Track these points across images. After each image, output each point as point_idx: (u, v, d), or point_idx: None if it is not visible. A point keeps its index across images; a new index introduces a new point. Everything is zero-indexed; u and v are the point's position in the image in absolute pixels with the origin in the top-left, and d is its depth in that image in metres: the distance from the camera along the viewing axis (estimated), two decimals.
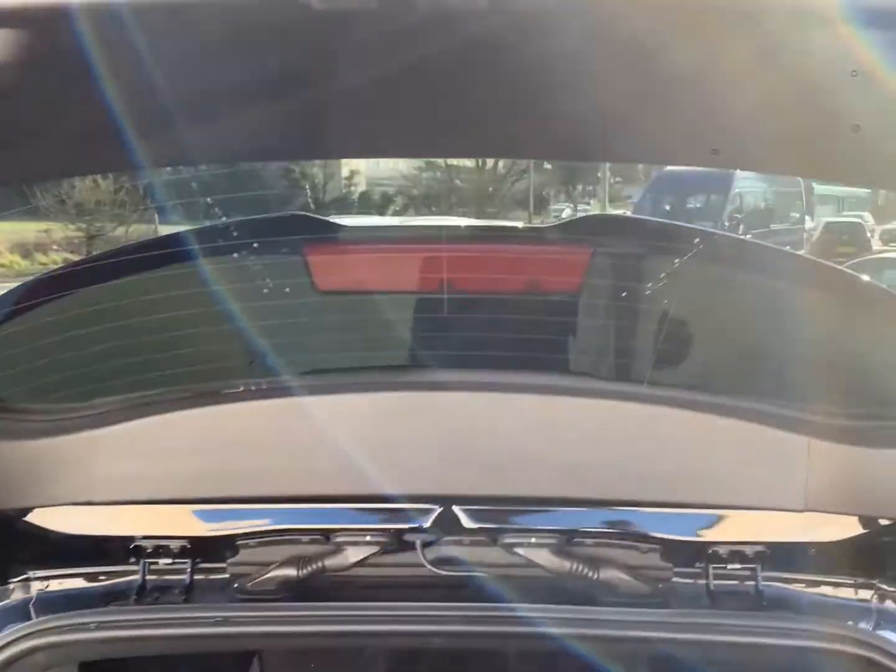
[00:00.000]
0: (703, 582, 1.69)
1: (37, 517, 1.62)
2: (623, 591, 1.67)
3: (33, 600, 1.65)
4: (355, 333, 1.55)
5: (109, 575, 1.72)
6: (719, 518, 1.71)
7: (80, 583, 1.71)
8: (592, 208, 28.36)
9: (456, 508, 1.67)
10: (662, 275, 1.51)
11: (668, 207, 16.83)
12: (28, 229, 21.80)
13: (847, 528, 1.66)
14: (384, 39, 0.60)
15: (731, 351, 1.58)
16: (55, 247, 22.46)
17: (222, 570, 1.73)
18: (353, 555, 1.67)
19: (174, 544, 1.69)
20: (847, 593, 1.73)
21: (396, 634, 1.59)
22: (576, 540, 1.69)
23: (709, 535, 1.71)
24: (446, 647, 1.62)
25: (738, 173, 15.23)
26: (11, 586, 1.65)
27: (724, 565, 1.67)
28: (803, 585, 1.72)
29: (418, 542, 1.67)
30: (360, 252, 1.55)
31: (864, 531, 1.65)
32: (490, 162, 28.69)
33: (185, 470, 1.59)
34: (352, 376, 1.58)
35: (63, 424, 1.57)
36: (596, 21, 0.59)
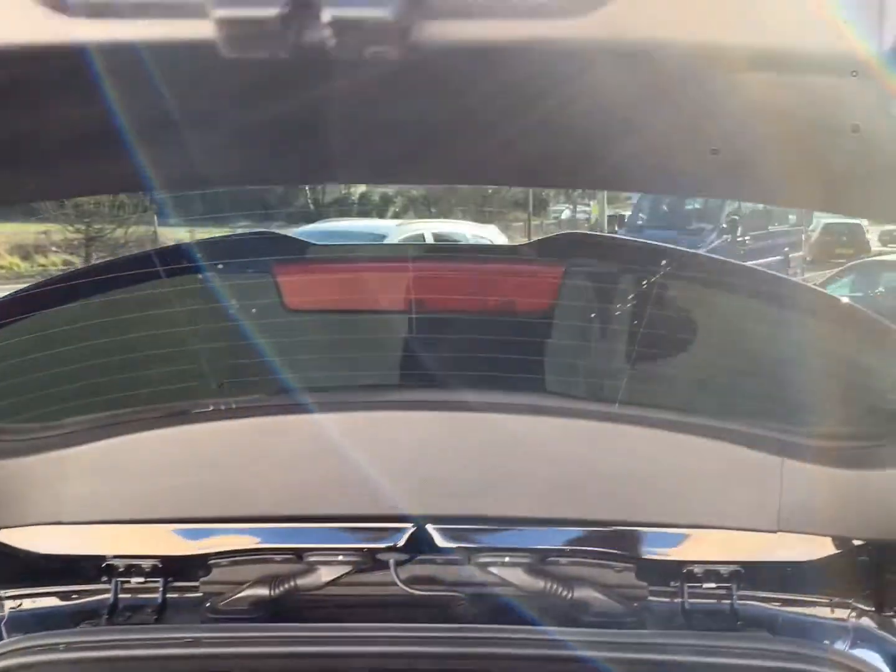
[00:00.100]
0: (678, 601, 1.68)
1: (6, 537, 1.61)
2: (598, 611, 1.66)
3: (5, 619, 1.64)
4: (326, 353, 1.55)
5: (81, 594, 1.72)
6: (694, 537, 1.70)
7: (52, 602, 1.71)
8: (592, 209, 28.36)
9: (430, 527, 1.67)
10: (635, 294, 1.50)
11: (665, 208, 16.82)
12: (27, 231, 21.82)
13: (822, 547, 1.65)
14: (311, 79, 0.59)
15: (704, 370, 1.57)
16: (54, 248, 22.48)
17: (195, 590, 1.72)
18: (325, 574, 1.66)
19: (146, 563, 1.68)
20: (823, 612, 1.72)
21: (369, 655, 1.58)
22: (550, 559, 1.69)
23: (683, 554, 1.71)
24: (419, 669, 1.61)
25: None
26: None
27: (699, 584, 1.67)
28: (779, 604, 1.72)
29: (392, 562, 1.66)
30: (330, 271, 1.54)
31: (839, 551, 1.64)
32: None
33: (156, 490, 1.58)
34: (323, 396, 1.57)
35: (33, 444, 1.56)
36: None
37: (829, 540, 1.61)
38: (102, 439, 1.55)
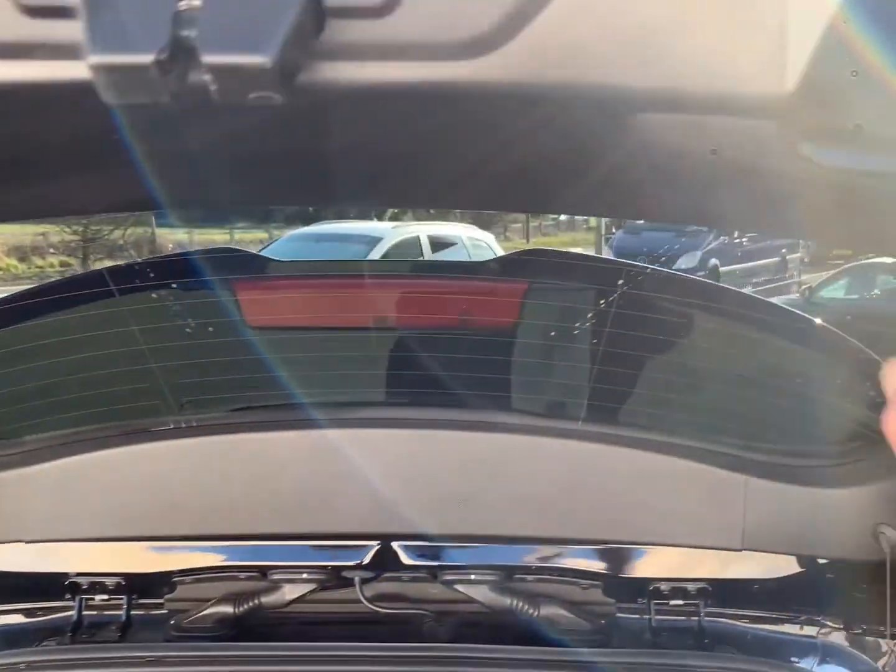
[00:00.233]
0: (645, 618, 1.67)
1: None
2: (565, 628, 1.65)
3: None
4: (289, 371, 1.54)
5: (45, 611, 1.71)
6: (661, 554, 1.69)
7: (14, 619, 1.70)
8: None
9: (395, 545, 1.66)
10: (600, 311, 1.49)
11: None
12: (25, 232, 21.81)
13: (788, 565, 1.64)
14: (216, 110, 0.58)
15: (668, 388, 1.56)
16: (52, 250, 22.48)
17: (160, 607, 1.71)
18: (290, 592, 1.65)
19: (110, 581, 1.67)
20: (792, 629, 1.72)
21: None
22: (517, 576, 1.68)
23: (650, 571, 1.70)
24: None
25: None
26: None
27: (666, 601, 1.66)
28: (747, 622, 1.71)
29: (357, 579, 1.65)
30: (291, 288, 1.54)
31: (806, 569, 1.64)
32: None
33: (118, 508, 1.57)
34: (286, 413, 1.56)
35: None
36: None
37: (794, 558, 1.60)
38: (63, 457, 1.54)
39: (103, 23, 0.50)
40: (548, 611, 1.66)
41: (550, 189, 0.80)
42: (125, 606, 1.68)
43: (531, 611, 1.65)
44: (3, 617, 1.68)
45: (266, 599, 1.65)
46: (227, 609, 1.66)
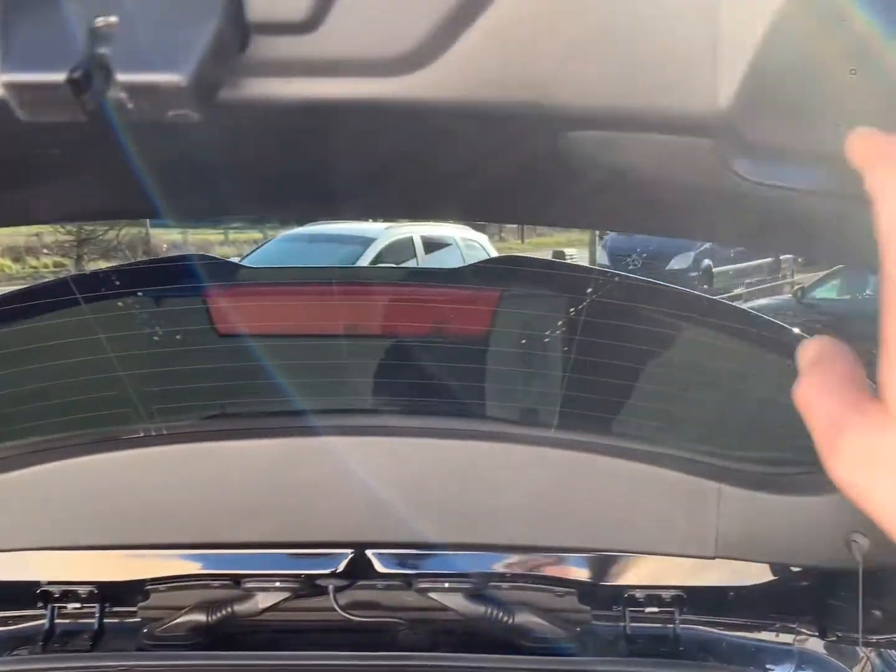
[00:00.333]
0: (620, 625, 1.66)
1: None
2: (539, 636, 1.65)
3: None
4: (260, 378, 1.53)
5: (16, 620, 1.70)
6: (636, 561, 1.69)
7: None
8: None
9: (369, 553, 1.65)
10: (571, 319, 1.48)
11: None
12: (18, 233, 21.78)
13: (764, 572, 1.64)
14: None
15: (642, 396, 1.55)
16: (45, 251, 22.45)
17: (133, 615, 1.70)
18: (264, 600, 1.64)
19: (82, 589, 1.66)
20: (768, 637, 1.71)
21: None
22: (492, 584, 1.67)
23: (625, 579, 1.69)
24: None
25: None
26: None
27: (640, 609, 1.66)
28: (723, 629, 1.70)
29: (331, 587, 1.64)
30: (260, 295, 1.53)
31: (780, 576, 1.63)
32: None
33: (89, 517, 1.56)
34: (257, 421, 1.55)
35: None
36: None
37: (768, 566, 1.60)
38: (33, 465, 1.53)
39: (16, 40, 0.49)
40: (523, 619, 1.65)
41: (488, 201, 0.79)
42: (98, 615, 1.67)
43: (506, 619, 1.64)
44: None
45: (239, 608, 1.64)
46: (200, 617, 1.65)
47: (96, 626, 1.66)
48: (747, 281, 15.48)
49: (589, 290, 1.41)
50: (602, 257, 15.84)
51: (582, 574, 1.71)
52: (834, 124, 0.50)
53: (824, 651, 1.68)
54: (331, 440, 1.57)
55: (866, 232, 0.45)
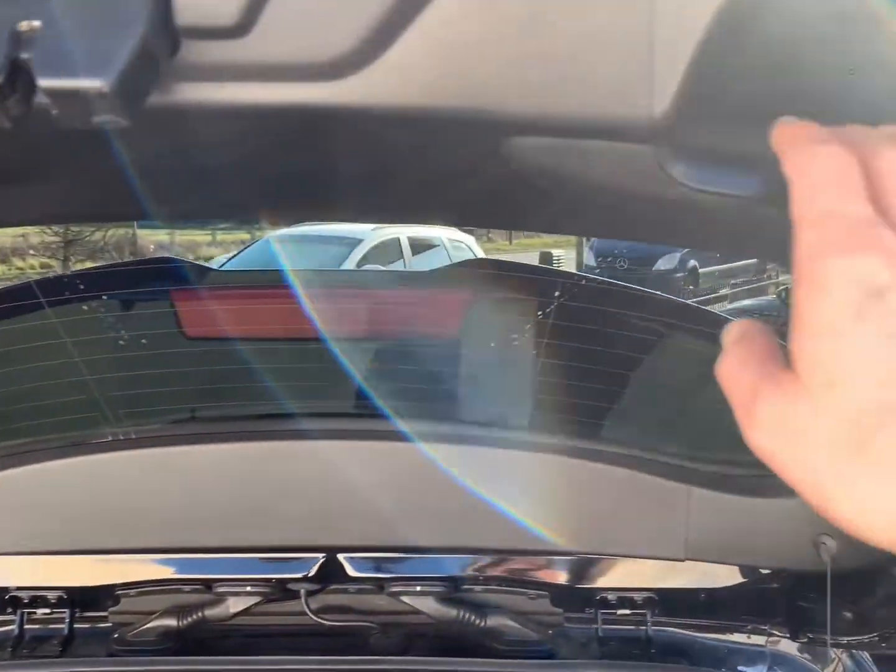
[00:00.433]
0: (593, 627, 1.66)
1: None
2: (512, 638, 1.64)
3: None
4: (229, 382, 1.52)
5: None
6: (608, 563, 1.69)
7: None
8: None
9: (341, 557, 1.64)
10: (540, 322, 1.48)
11: None
12: (4, 234, 21.62)
13: (736, 574, 1.64)
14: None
15: (610, 398, 1.55)
16: (32, 252, 22.30)
17: (104, 620, 1.69)
18: (235, 605, 1.63)
19: (52, 594, 1.65)
20: (740, 638, 1.72)
21: None
22: (464, 587, 1.67)
23: (598, 581, 1.69)
24: None
25: None
26: None
27: (613, 611, 1.65)
28: (695, 631, 1.71)
29: (302, 592, 1.64)
30: (228, 298, 1.52)
31: (751, 578, 1.64)
32: None
33: (57, 522, 1.55)
34: (227, 425, 1.55)
35: None
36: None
37: (738, 568, 1.60)
38: (0, 471, 1.51)
39: None
40: (495, 621, 1.65)
41: (428, 204, 0.79)
42: (68, 620, 1.66)
43: (478, 622, 1.64)
44: None
45: (210, 612, 1.63)
46: (171, 622, 1.64)
47: (66, 631, 1.65)
48: (733, 282, 15.53)
49: (558, 294, 1.41)
50: (589, 258, 15.86)
51: (554, 576, 1.71)
52: (769, 129, 0.50)
53: (796, 652, 1.69)
54: (301, 444, 1.56)
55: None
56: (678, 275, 14.64)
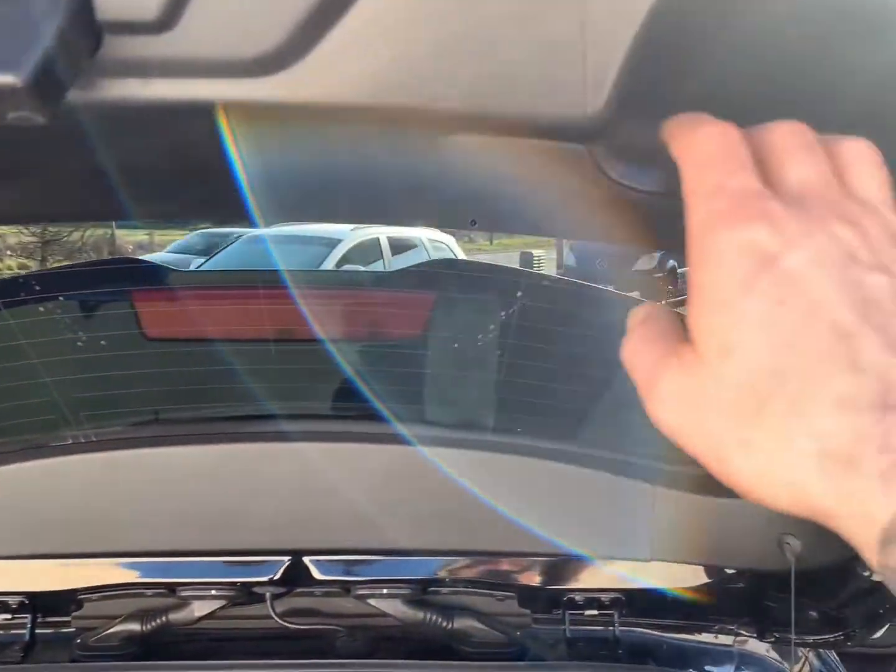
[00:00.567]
0: (561, 628, 1.66)
1: None
2: (479, 640, 1.64)
3: None
4: (191, 383, 1.50)
5: None
6: (575, 564, 1.68)
7: None
8: None
9: (307, 560, 1.63)
10: (503, 322, 1.47)
11: None
12: None
13: (701, 574, 1.64)
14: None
15: (573, 397, 1.55)
16: (9, 252, 22.08)
17: (66, 625, 1.67)
18: (199, 608, 1.62)
19: (12, 599, 1.63)
20: (707, 638, 1.72)
21: None
22: (430, 589, 1.66)
23: (565, 582, 1.69)
24: None
25: None
26: None
27: (580, 612, 1.65)
28: (662, 631, 1.71)
29: (268, 595, 1.62)
30: (189, 299, 1.50)
31: (717, 578, 1.64)
32: None
33: (18, 526, 1.52)
34: (189, 427, 1.53)
35: None
36: None
37: (703, 568, 1.60)
38: None
39: None
40: (462, 623, 1.64)
41: (360, 203, 0.78)
42: (29, 625, 1.63)
43: (446, 624, 1.63)
44: None
45: (174, 616, 1.62)
46: (135, 626, 1.62)
47: (27, 636, 1.63)
48: None
49: (519, 294, 1.41)
50: (570, 259, 15.89)
51: (521, 578, 1.71)
52: None
53: (764, 652, 1.69)
54: (265, 446, 1.55)
55: None
56: (657, 275, 14.70)
